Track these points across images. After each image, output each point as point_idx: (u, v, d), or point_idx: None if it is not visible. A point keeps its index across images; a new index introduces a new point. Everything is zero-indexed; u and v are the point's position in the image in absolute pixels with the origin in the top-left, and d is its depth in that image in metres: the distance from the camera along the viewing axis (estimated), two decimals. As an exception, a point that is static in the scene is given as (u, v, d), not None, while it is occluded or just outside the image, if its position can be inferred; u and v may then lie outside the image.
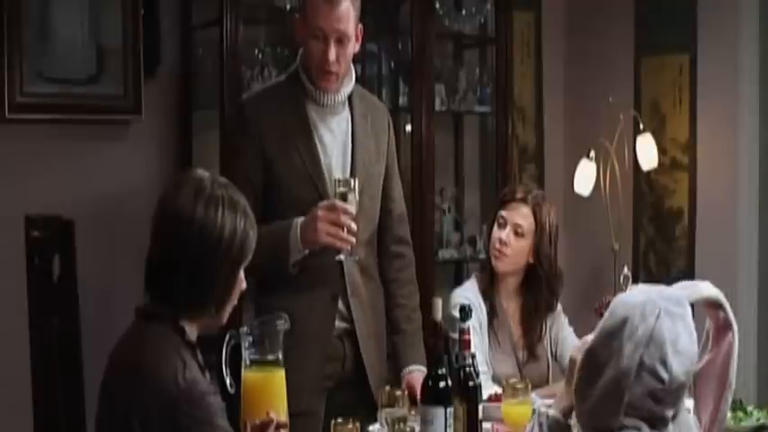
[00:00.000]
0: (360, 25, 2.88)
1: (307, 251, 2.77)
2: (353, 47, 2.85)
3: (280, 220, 2.81)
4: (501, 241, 3.19)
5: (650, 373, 1.82)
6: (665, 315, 1.85)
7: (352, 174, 2.86)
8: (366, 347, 2.93)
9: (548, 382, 3.27)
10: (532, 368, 3.23)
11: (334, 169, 2.88)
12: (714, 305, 2.02)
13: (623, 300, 1.91)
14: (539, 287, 3.24)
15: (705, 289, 2.01)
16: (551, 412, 2.10)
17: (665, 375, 1.83)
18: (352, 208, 2.69)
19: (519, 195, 3.22)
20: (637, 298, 1.88)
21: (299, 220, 2.75)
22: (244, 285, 2.17)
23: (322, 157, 2.87)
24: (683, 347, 1.85)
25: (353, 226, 2.71)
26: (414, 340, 3.01)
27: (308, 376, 2.74)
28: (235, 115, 3.02)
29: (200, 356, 2.10)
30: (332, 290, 2.87)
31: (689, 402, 2.03)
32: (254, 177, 2.84)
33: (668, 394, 1.85)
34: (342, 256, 2.76)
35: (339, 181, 2.74)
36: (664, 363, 1.83)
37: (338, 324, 2.90)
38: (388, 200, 3.03)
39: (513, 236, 3.19)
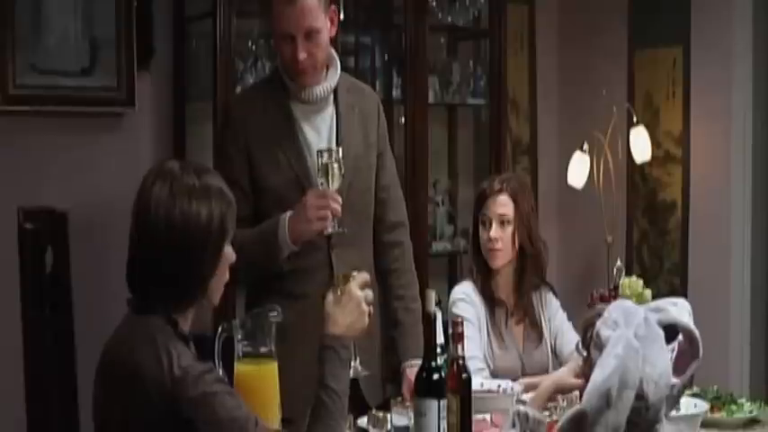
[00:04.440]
0: (333, 6, 2.84)
1: (296, 247, 2.75)
2: (328, 34, 2.82)
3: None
4: (491, 239, 3.20)
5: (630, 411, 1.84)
6: (643, 363, 1.85)
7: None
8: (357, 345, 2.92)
9: (548, 373, 3.27)
10: (534, 360, 3.24)
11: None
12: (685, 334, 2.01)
13: (598, 379, 1.88)
14: (525, 267, 3.25)
15: (677, 314, 2.00)
16: (525, 409, 2.11)
17: (641, 405, 1.84)
18: (337, 190, 2.65)
19: (497, 188, 3.23)
20: (611, 368, 1.87)
21: (288, 214, 2.73)
22: (232, 259, 2.13)
23: (308, 156, 2.83)
24: (658, 375, 1.85)
25: (339, 211, 2.68)
26: (413, 332, 2.94)
27: (303, 379, 2.72)
28: (222, 118, 3.00)
29: (192, 348, 2.08)
30: (323, 291, 2.85)
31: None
32: (242, 179, 2.82)
33: (645, 419, 1.85)
34: (329, 230, 2.72)
35: (322, 152, 2.68)
36: (641, 397, 1.84)
37: None
38: (379, 188, 2.99)
39: (500, 229, 3.20)
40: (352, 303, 2.25)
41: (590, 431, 1.82)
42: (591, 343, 1.96)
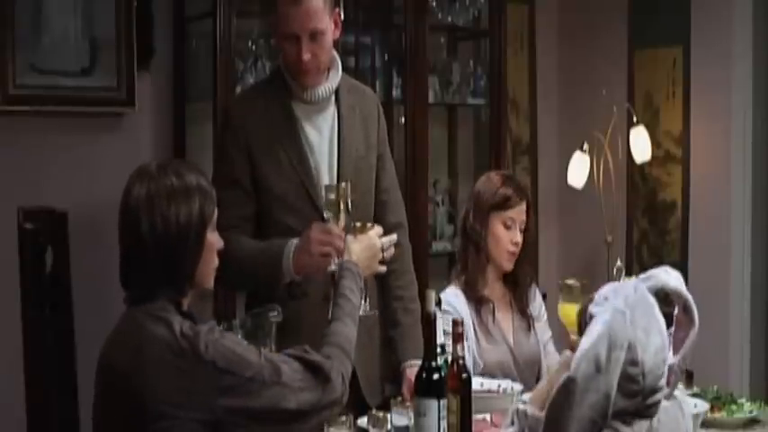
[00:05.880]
0: (337, 9, 2.84)
1: (298, 277, 2.72)
2: (331, 36, 2.81)
3: (272, 222, 2.81)
4: (515, 243, 3.23)
5: (624, 378, 1.83)
6: (633, 327, 1.84)
7: (340, 172, 2.83)
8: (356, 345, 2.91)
9: (540, 362, 3.28)
10: (524, 350, 3.25)
11: (322, 168, 2.85)
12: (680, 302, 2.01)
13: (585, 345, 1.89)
14: (523, 264, 3.30)
15: (666, 279, 2.00)
16: (524, 407, 2.12)
17: (638, 372, 1.84)
18: (339, 231, 2.61)
19: (520, 195, 3.27)
20: (598, 333, 1.87)
21: (293, 243, 2.69)
22: (220, 245, 2.16)
23: (309, 155, 2.83)
24: (654, 343, 1.85)
25: (343, 250, 2.63)
26: (412, 333, 2.93)
27: None
28: (222, 118, 3.00)
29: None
30: (325, 291, 2.84)
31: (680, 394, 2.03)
32: (243, 179, 2.82)
33: (644, 387, 1.85)
34: (333, 267, 2.69)
35: (330, 187, 2.66)
36: (635, 363, 1.83)
37: None
38: (379, 191, 2.99)
39: (520, 234, 3.24)
40: (371, 247, 2.54)
41: (581, 397, 1.82)
42: (585, 328, 1.96)
